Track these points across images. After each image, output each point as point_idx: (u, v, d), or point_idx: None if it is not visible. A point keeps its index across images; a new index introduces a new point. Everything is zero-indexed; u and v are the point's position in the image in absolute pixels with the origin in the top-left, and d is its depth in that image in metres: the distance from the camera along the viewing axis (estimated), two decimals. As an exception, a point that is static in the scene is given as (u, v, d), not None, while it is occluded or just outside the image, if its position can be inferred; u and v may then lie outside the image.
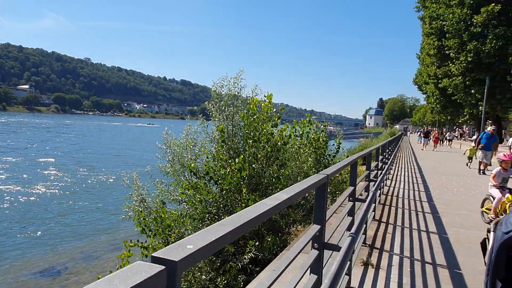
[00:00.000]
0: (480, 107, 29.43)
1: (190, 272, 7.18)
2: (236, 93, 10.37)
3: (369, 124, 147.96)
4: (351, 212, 3.13)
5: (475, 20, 27.08)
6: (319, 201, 1.94)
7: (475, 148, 14.12)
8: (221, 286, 6.18)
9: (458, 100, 33.14)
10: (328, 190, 9.79)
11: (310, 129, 11.64)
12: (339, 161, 11.71)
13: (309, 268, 1.98)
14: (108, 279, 0.58)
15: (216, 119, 9.78)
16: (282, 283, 1.67)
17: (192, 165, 8.01)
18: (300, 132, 11.59)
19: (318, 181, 1.87)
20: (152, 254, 0.71)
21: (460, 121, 44.20)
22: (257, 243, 7.16)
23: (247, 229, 1.01)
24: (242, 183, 7.96)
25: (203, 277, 7.31)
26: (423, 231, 5.62)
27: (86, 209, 15.75)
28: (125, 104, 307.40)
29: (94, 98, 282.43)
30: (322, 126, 12.23)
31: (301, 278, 1.72)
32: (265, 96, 9.32)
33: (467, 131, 37.81)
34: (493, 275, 1.60)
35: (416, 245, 4.88)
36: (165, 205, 8.34)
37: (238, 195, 7.94)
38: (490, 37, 26.75)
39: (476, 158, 14.43)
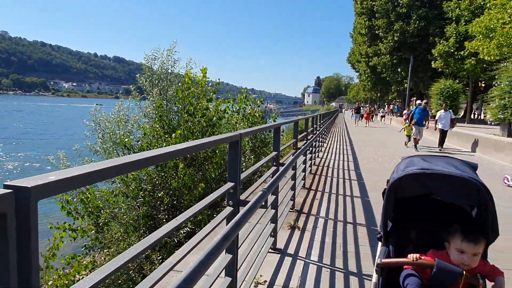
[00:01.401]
0: (405, 84, 31.78)
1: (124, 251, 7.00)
2: (170, 67, 10.02)
3: (307, 102, 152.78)
4: (274, 175, 3.22)
5: (401, 1, 28.69)
6: (232, 158, 1.97)
7: (409, 124, 13.54)
8: (156, 262, 6.11)
9: (386, 78, 35.40)
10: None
11: (246, 104, 11.69)
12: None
13: (225, 222, 2.02)
14: None
15: (150, 93, 9.41)
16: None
17: (126, 139, 7.68)
18: (237, 108, 11.60)
19: (231, 137, 1.88)
20: (4, 183, 0.66)
21: (389, 97, 47.46)
22: (192, 218, 7.18)
23: (131, 169, 0.98)
24: (177, 159, 7.82)
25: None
26: (348, 196, 6.02)
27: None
28: (51, 83, 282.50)
29: (14, 76, 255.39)
30: (258, 102, 12.37)
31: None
32: (200, 70, 9.12)
33: (393, 108, 40.70)
34: (385, 216, 1.76)
35: (341, 208, 5.21)
36: (93, 185, 7.92)
37: (173, 171, 7.81)
38: (414, 17, 28.58)
39: (412, 136, 13.81)
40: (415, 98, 40.38)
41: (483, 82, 26.10)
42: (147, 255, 7.10)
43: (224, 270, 2.03)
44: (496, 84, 13.07)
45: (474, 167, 1.74)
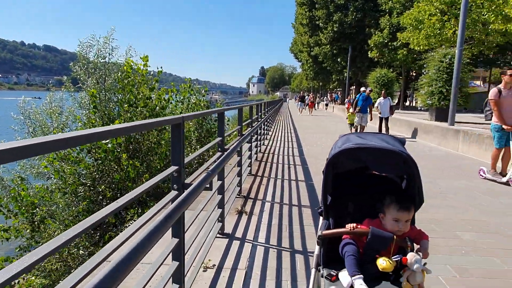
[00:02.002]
0: (345, 73, 33.25)
1: (65, 249, 6.63)
2: (108, 54, 9.50)
3: (252, 92, 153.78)
4: (218, 160, 3.23)
5: (339, -7, 29.73)
6: (175, 141, 1.93)
7: (353, 112, 13.30)
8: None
9: (327, 67, 36.72)
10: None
11: (191, 94, 11.50)
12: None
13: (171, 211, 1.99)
14: None
15: (86, 82, 8.86)
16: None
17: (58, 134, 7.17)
18: (181, 98, 11.36)
19: (174, 119, 1.85)
20: None
21: (330, 86, 49.34)
22: (139, 211, 6.97)
23: (61, 147, 0.93)
24: (119, 150, 7.50)
25: (81, 252, 6.83)
26: (293, 180, 6.21)
27: None
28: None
29: None
30: (203, 91, 12.23)
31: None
32: (140, 58, 8.76)
33: (334, 97, 42.50)
34: (324, 191, 1.85)
35: (286, 192, 5.37)
36: (26, 181, 7.34)
37: (115, 163, 7.48)
38: (351, 9, 29.80)
39: (355, 123, 13.62)
40: (354, 86, 42.45)
41: (414, 71, 28.10)
42: (91, 252, 6.79)
43: (171, 254, 2.01)
44: (424, 73, 14.16)
45: (402, 142, 1.89)
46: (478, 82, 47.30)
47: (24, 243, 6.78)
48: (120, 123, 7.34)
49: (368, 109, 12.72)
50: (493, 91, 6.13)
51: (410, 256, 1.57)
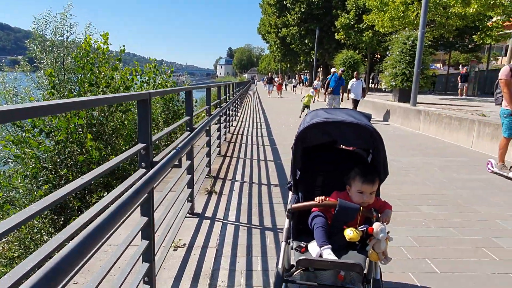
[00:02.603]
0: (312, 55, 33.44)
1: (27, 236, 6.38)
2: (66, 32, 8.98)
3: (220, 73, 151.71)
4: (186, 138, 3.18)
5: (306, -27, 29.54)
6: (142, 118, 1.87)
7: (325, 93, 12.80)
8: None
9: (295, 49, 36.74)
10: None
11: (156, 75, 11.16)
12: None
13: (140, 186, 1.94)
14: None
15: (43, 62, 8.35)
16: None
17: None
18: (147, 78, 11.01)
19: (140, 95, 1.79)
20: None
21: (298, 68, 49.56)
22: (105, 194, 6.77)
23: (18, 117, 0.87)
24: (81, 132, 7.21)
25: (45, 237, 6.60)
26: (262, 160, 6.25)
27: None
28: None
29: None
30: (169, 72, 11.90)
31: (131, 196, 1.66)
32: (101, 35, 8.35)
33: (302, 78, 42.41)
34: (294, 166, 1.87)
35: (256, 172, 5.40)
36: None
37: (77, 145, 7.19)
38: (318, -10, 29.72)
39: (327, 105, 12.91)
40: (321, 68, 42.81)
41: (379, 53, 28.72)
42: (53, 222, 6.60)
43: (140, 234, 1.97)
44: (389, 55, 14.53)
45: (368, 117, 1.94)
46: (438, 65, 49.28)
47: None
48: (82, 104, 7.03)
49: (340, 90, 12.29)
50: (504, 70, 5.12)
51: (376, 226, 1.63)
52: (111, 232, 1.49)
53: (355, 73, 12.82)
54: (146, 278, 2.05)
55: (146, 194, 1.93)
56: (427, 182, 4.97)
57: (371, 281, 1.70)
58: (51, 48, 8.73)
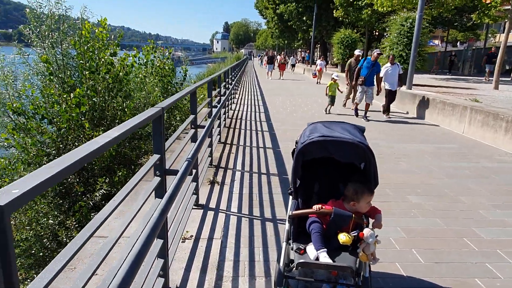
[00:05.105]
0: (310, 33, 33.09)
1: (34, 220, 6.64)
2: (62, 15, 8.92)
3: (216, 49, 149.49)
4: (194, 138, 3.38)
5: None
6: (156, 132, 2.06)
7: (354, 84, 9.99)
8: (72, 227, 5.95)
9: (293, 26, 36.27)
10: (179, 118, 9.81)
11: (154, 56, 11.17)
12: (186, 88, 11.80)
13: (154, 193, 2.16)
14: None
15: (39, 47, 8.36)
16: (129, 210, 1.80)
17: (15, 105, 6.86)
18: (144, 60, 11.03)
19: (153, 114, 1.96)
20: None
21: (295, 45, 49.05)
22: (107, 180, 6.99)
23: (76, 168, 1.06)
24: (83, 119, 7.35)
25: (51, 221, 6.86)
26: (261, 147, 6.47)
27: None
28: None
29: None
30: (167, 54, 11.87)
31: (143, 204, 1.88)
32: (98, 21, 8.34)
33: (304, 55, 39.92)
34: (294, 175, 2.09)
35: (255, 160, 5.63)
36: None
37: (80, 132, 7.36)
38: (317, -35, 29.03)
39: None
40: (319, 45, 42.29)
41: (377, 31, 28.48)
42: (61, 221, 6.84)
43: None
44: (387, 36, 14.52)
45: (362, 130, 2.14)
46: (436, 41, 48.94)
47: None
48: (83, 91, 7.14)
49: (374, 79, 9.22)
50: None
51: (366, 232, 1.87)
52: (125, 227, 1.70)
53: (390, 56, 9.87)
54: (161, 272, 2.30)
55: (161, 199, 2.14)
56: (418, 170, 5.22)
57: (361, 276, 1.96)
58: (47, 33, 8.70)
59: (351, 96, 10.94)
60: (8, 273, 0.74)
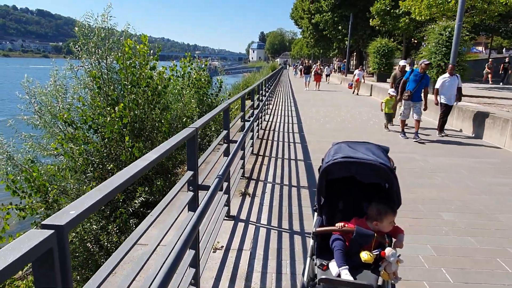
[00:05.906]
0: (346, 42, 32.81)
1: (79, 225, 7.09)
2: (107, 33, 9.55)
3: (252, 58, 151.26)
4: (226, 153, 3.55)
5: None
6: (190, 151, 2.24)
7: (399, 98, 8.72)
8: (113, 232, 6.32)
9: (328, 35, 36.14)
10: (214, 128, 10.10)
11: (191, 68, 11.61)
12: (222, 99, 12.12)
13: (187, 207, 2.33)
14: (12, 246, 0.77)
15: (87, 62, 8.99)
16: (164, 222, 1.98)
17: (66, 115, 7.42)
18: (182, 73, 11.50)
19: (187, 135, 2.14)
20: (42, 222, 0.90)
21: (330, 54, 48.76)
22: (146, 188, 7.36)
23: (121, 189, 1.24)
24: (124, 130, 7.80)
25: (94, 226, 7.30)
26: (292, 159, 6.56)
27: None
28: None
29: None
30: (203, 66, 12.28)
31: (178, 216, 2.05)
32: (139, 37, 8.86)
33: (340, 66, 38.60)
34: (319, 193, 2.19)
35: (286, 173, 5.72)
36: (37, 161, 7.72)
37: (121, 143, 7.81)
38: (353, -25, 28.91)
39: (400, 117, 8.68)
40: (355, 53, 41.78)
41: (415, 38, 27.78)
42: (102, 226, 7.25)
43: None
44: (424, 45, 14.18)
45: (386, 150, 2.21)
46: (480, 48, 46.83)
47: (40, 219, 7.24)
48: (125, 104, 7.60)
49: (422, 93, 8.16)
50: None
51: (388, 251, 1.93)
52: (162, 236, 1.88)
53: (450, 66, 8.65)
54: (192, 280, 2.46)
55: (194, 213, 2.31)
56: (452, 185, 5.08)
57: (383, 294, 2.01)
58: (94, 50, 9.34)
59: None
60: (66, 282, 0.91)
